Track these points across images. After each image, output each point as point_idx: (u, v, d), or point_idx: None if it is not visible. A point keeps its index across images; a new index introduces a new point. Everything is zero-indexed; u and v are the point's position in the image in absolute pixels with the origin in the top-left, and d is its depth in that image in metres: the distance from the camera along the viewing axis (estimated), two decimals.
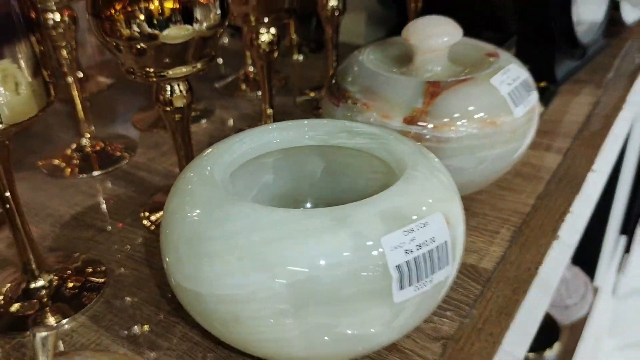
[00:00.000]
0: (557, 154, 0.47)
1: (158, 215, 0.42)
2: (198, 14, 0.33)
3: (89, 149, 0.50)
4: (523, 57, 0.57)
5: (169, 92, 0.36)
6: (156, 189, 0.45)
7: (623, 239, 1.37)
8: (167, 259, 0.26)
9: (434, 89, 0.35)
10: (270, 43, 0.46)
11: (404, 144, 0.29)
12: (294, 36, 0.70)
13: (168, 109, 0.37)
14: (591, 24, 0.62)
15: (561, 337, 0.97)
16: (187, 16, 0.33)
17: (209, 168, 0.28)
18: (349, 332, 0.24)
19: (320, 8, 0.53)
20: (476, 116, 0.34)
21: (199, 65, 0.36)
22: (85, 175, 0.47)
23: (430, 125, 0.34)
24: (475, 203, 0.41)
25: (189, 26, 0.33)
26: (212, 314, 0.25)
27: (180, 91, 0.37)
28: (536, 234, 0.38)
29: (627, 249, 1.38)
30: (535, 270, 0.35)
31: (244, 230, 0.23)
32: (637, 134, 1.13)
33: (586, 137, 0.49)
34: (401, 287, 0.24)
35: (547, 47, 0.57)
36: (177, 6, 0.33)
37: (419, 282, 0.24)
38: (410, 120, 0.34)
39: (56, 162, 0.49)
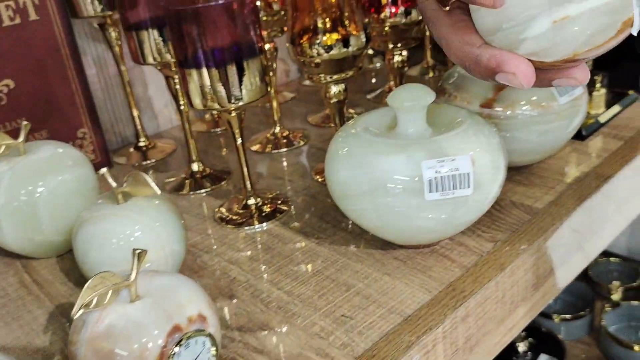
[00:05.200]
0: (620, 141, 0.60)
1: (321, 174, 0.64)
2: (351, 41, 0.55)
3: (279, 135, 0.74)
4: (612, 70, 0.71)
5: (332, 91, 0.58)
6: (322, 160, 0.67)
7: None
8: (328, 175, 0.47)
9: (500, 85, 0.52)
10: (402, 62, 0.67)
11: (470, 117, 0.47)
12: (430, 59, 0.89)
13: (332, 101, 0.59)
14: None
15: None
16: (344, 43, 0.55)
17: (350, 124, 0.49)
18: (401, 208, 0.43)
19: None
20: (529, 102, 0.51)
21: (350, 73, 0.57)
22: (275, 151, 0.71)
23: (498, 108, 0.52)
24: (541, 167, 0.57)
25: (345, 49, 0.55)
26: (336, 194, 0.46)
27: (339, 90, 0.58)
28: (582, 190, 0.53)
29: None
30: (573, 209, 0.51)
31: (357, 149, 0.44)
32: None
33: None
34: (430, 192, 0.42)
35: (632, 61, 0.70)
36: (339, 37, 0.55)
37: (442, 191, 0.42)
38: (484, 105, 0.52)
39: (257, 145, 0.74)
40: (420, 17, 0.63)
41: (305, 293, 0.45)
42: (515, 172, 0.57)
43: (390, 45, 0.65)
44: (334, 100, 0.59)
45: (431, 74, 0.89)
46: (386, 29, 0.64)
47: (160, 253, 0.44)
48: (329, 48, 0.55)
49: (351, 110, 0.80)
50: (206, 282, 0.48)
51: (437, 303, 0.42)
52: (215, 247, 0.53)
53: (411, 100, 0.46)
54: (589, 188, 0.53)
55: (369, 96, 0.86)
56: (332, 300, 0.44)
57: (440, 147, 0.43)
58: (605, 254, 1.23)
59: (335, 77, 0.57)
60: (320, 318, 0.42)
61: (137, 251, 0.34)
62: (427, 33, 0.90)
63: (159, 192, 0.45)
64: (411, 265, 0.47)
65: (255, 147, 0.73)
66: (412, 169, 0.42)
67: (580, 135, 0.61)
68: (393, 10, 0.66)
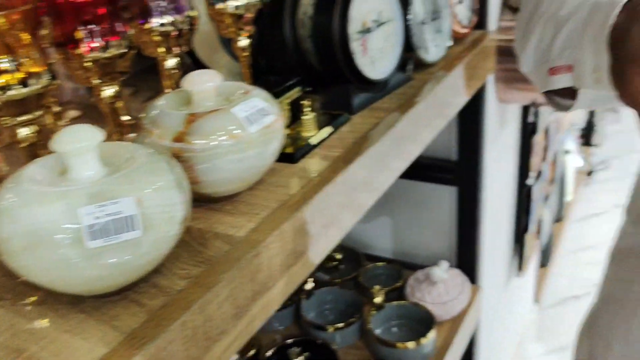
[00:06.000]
0: (326, 161, 0.64)
1: None
2: (31, 80, 0.51)
3: None
4: (327, 93, 0.75)
5: (21, 133, 0.53)
6: None
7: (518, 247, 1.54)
8: None
9: (192, 118, 0.52)
10: (113, 97, 0.64)
11: (146, 155, 0.46)
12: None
13: (22, 145, 0.54)
14: (387, 63, 0.80)
15: (440, 329, 1.12)
16: (23, 83, 0.51)
17: (17, 174, 0.45)
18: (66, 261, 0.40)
19: (161, 67, 0.71)
20: (219, 133, 0.51)
21: (38, 113, 0.53)
22: None
23: (191, 141, 0.51)
24: (251, 194, 0.58)
25: (26, 89, 0.51)
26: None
27: (30, 132, 0.54)
28: (284, 212, 0.55)
29: (520, 255, 1.55)
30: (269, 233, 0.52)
31: (15, 201, 0.40)
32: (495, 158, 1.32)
33: (352, 149, 0.67)
34: (92, 239, 0.40)
35: (343, 86, 0.75)
36: (18, 77, 0.51)
37: (106, 237, 0.40)
38: (176, 139, 0.52)
39: None
40: (125, 50, 0.61)
41: None
42: (226, 202, 0.57)
43: (97, 81, 0.62)
44: (25, 143, 0.54)
45: None
46: (87, 64, 0.60)
47: None
48: (5, 89, 0.50)
49: None
50: None
51: (113, 356, 0.40)
52: None
53: (75, 143, 0.43)
54: (289, 211, 0.55)
55: None
56: None
57: (104, 191, 0.41)
58: (372, 259, 1.32)
59: (20, 119, 0.52)
60: None
61: None
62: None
63: None
64: (97, 316, 0.44)
65: None
66: (70, 217, 0.39)
67: (292, 158, 0.64)
68: (92, 45, 0.63)
